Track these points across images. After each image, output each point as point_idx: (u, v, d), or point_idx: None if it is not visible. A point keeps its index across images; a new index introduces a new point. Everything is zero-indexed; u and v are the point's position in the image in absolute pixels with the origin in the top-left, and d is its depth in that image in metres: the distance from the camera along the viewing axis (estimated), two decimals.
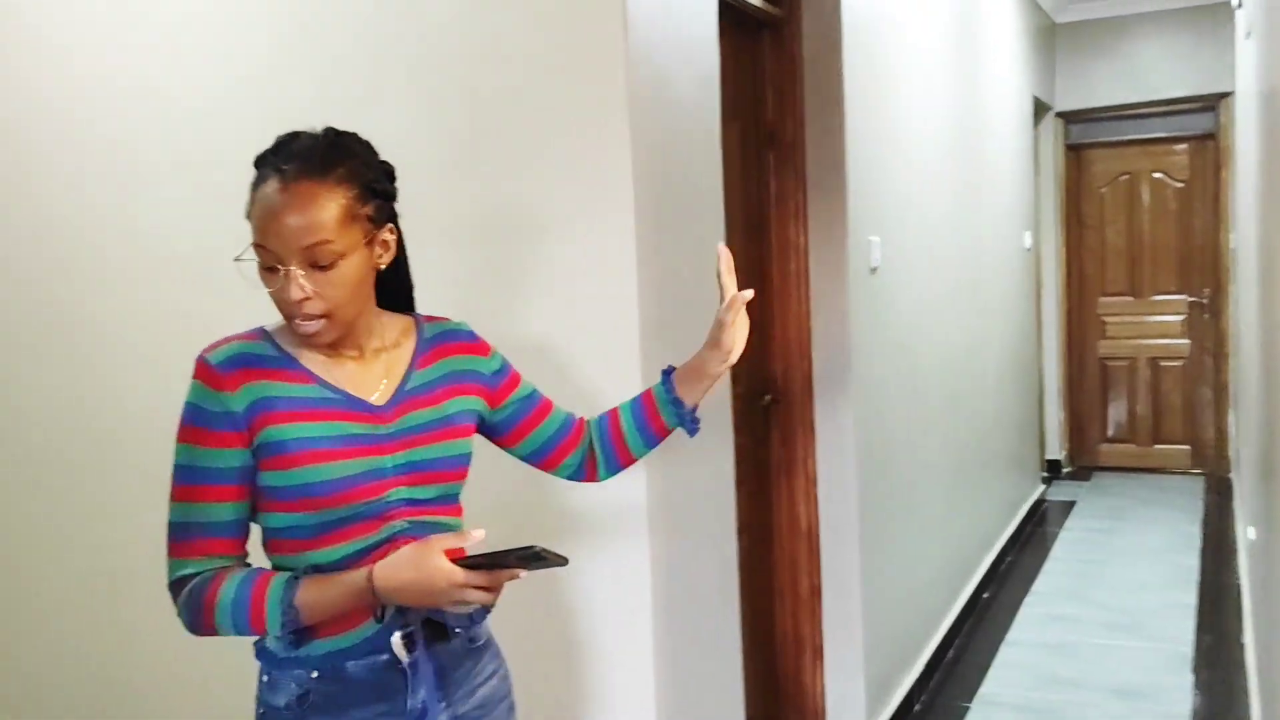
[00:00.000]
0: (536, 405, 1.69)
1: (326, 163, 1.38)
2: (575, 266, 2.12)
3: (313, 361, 1.46)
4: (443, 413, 1.52)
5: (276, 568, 1.46)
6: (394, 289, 1.56)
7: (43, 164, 2.60)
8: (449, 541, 1.38)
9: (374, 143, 1.47)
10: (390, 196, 1.48)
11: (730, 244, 2.63)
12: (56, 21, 2.54)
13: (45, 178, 2.60)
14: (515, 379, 1.68)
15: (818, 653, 3.29)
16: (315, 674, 1.44)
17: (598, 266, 2.10)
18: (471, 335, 1.64)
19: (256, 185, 1.39)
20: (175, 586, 1.43)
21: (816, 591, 3.27)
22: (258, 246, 1.37)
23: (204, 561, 1.42)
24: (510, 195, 2.15)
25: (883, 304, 3.58)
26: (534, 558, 1.33)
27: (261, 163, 1.40)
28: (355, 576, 1.40)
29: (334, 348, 1.47)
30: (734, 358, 1.63)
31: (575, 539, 2.16)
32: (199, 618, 1.41)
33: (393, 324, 1.56)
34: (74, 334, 2.61)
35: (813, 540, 3.26)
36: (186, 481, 1.42)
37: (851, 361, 3.24)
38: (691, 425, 1.70)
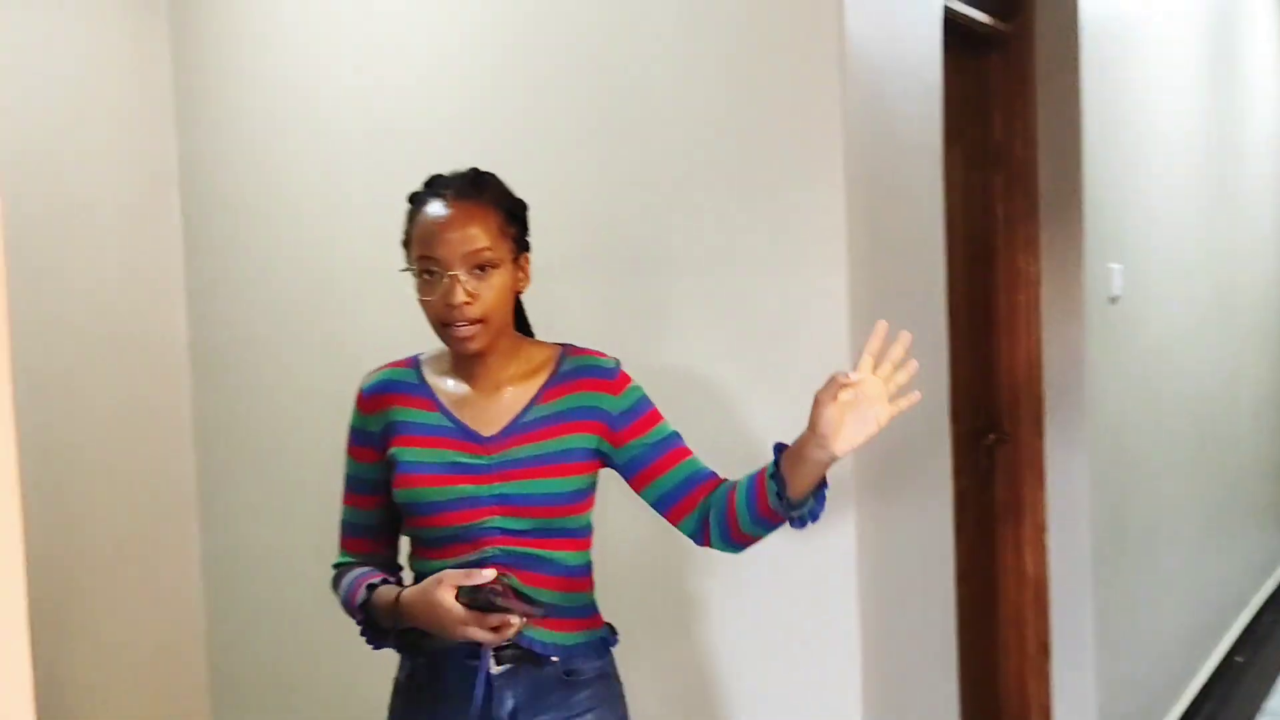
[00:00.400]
0: (664, 453, 1.60)
1: (479, 188, 1.58)
2: (781, 299, 2.02)
3: (442, 392, 1.60)
4: (550, 448, 1.56)
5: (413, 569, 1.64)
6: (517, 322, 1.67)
7: (297, 180, 2.73)
8: (458, 577, 1.46)
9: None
10: (526, 228, 1.62)
11: (952, 273, 2.47)
12: (313, 45, 2.67)
13: (298, 192, 2.73)
14: (647, 422, 1.60)
15: (1046, 715, 3.05)
16: (421, 660, 1.60)
17: (806, 299, 1.99)
18: (609, 372, 1.60)
19: (416, 211, 1.58)
20: (333, 571, 1.70)
21: (1045, 648, 3.03)
22: (423, 258, 1.53)
23: (351, 556, 1.67)
24: (714, 223, 2.07)
25: (1123, 336, 3.31)
26: (487, 603, 1.42)
27: (417, 196, 1.60)
28: (392, 594, 1.54)
29: (470, 371, 1.59)
30: (837, 449, 1.43)
31: (777, 588, 2.05)
32: (341, 603, 1.65)
33: (535, 353, 1.62)
34: (319, 339, 2.71)
35: (1041, 592, 3.03)
36: (346, 488, 1.68)
37: (1087, 399, 3.00)
38: (795, 519, 1.52)
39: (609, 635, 1.65)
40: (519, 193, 2.20)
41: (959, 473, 2.51)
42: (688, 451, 1.62)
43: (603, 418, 1.58)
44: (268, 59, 2.70)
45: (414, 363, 1.64)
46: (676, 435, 1.62)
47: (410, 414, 1.60)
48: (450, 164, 2.34)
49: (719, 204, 2.06)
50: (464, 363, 1.58)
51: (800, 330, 2.00)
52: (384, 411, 1.61)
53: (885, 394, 1.44)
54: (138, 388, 2.84)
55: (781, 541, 2.00)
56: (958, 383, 2.55)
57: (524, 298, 1.66)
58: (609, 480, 1.65)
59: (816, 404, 1.44)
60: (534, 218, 2.22)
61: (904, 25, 2.20)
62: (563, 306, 2.21)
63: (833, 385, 1.43)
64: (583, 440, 1.57)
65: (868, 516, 2.02)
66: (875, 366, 1.45)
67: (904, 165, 2.21)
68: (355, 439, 1.65)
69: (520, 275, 1.58)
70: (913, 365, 1.46)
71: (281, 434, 2.77)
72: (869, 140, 2.04)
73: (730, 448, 2.08)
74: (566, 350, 1.63)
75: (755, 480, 1.54)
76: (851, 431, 1.44)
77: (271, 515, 2.80)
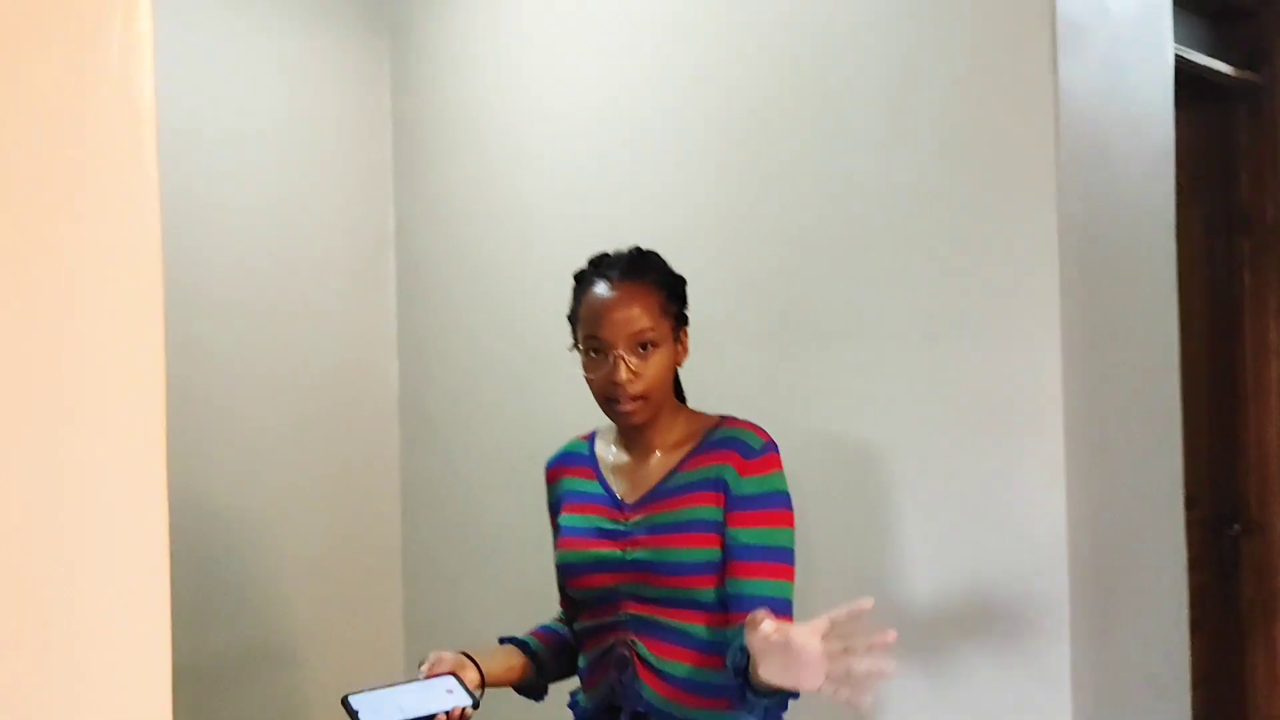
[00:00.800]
0: (750, 560, 1.51)
1: (642, 269, 1.62)
2: (985, 373, 1.87)
3: (604, 461, 1.69)
4: (679, 517, 1.56)
5: None
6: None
7: (505, 248, 2.81)
8: (448, 664, 1.56)
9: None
10: (686, 303, 1.65)
11: (1189, 345, 2.26)
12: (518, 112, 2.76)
13: (506, 260, 2.81)
14: (758, 519, 1.52)
15: None
16: (580, 718, 1.67)
17: (1013, 373, 1.84)
18: (750, 450, 1.55)
19: (582, 291, 1.63)
20: None
21: None
22: (589, 337, 1.58)
23: (562, 611, 1.77)
24: (911, 291, 1.95)
25: None
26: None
27: (583, 276, 1.65)
28: None
29: (629, 440, 1.65)
30: (760, 673, 1.30)
31: (980, 686, 1.88)
32: None
33: (692, 422, 1.64)
34: (521, 406, 2.76)
35: None
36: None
37: None
38: (736, 696, 1.42)
39: None
40: (710, 261, 2.18)
41: (1196, 565, 2.27)
42: (779, 571, 1.51)
43: (724, 490, 1.55)
44: (478, 129, 2.80)
45: (591, 435, 1.75)
46: (781, 550, 1.52)
47: (576, 483, 1.71)
48: (646, 232, 2.35)
49: (918, 271, 1.94)
50: (625, 432, 1.66)
51: (1006, 407, 1.85)
52: (559, 483, 1.74)
53: (822, 665, 1.24)
54: (351, 447, 2.95)
55: (986, 630, 1.86)
56: (1195, 465, 2.32)
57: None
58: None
59: (748, 621, 1.33)
60: (721, 285, 2.18)
61: (1128, 77, 2.05)
62: (745, 375, 2.15)
63: (753, 620, 1.30)
64: (708, 512, 1.54)
65: (1085, 611, 1.84)
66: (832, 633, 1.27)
67: (1129, 228, 2.04)
68: (549, 509, 1.77)
69: (680, 349, 1.63)
70: (884, 667, 1.22)
71: (482, 497, 2.82)
72: (1087, 202, 1.89)
73: (922, 536, 1.96)
74: (724, 421, 1.63)
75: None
76: (774, 669, 1.29)
77: (470, 577, 2.84)
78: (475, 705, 1.49)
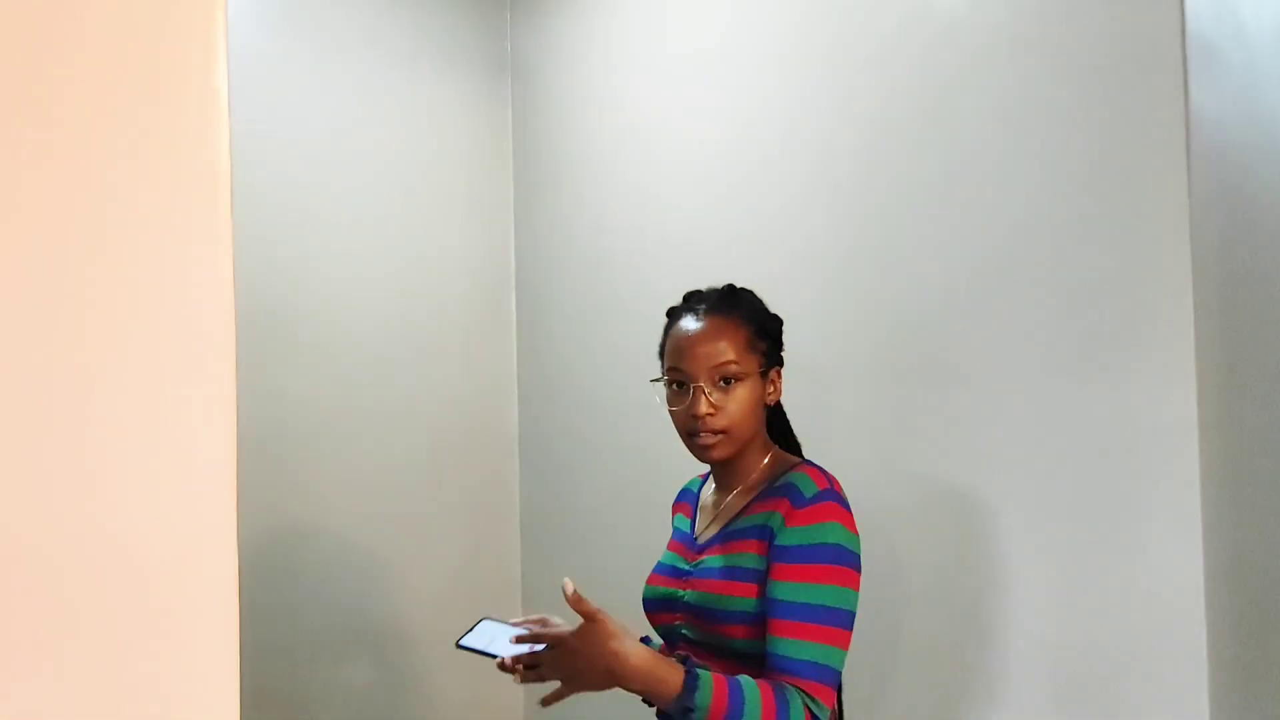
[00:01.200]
0: (784, 618, 1.42)
1: (730, 304, 1.61)
2: (1115, 414, 1.78)
3: (701, 499, 1.70)
4: (726, 562, 1.53)
5: None
6: (777, 434, 1.69)
7: (618, 288, 2.82)
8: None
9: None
10: (779, 342, 1.63)
11: None
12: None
13: (619, 301, 2.82)
14: (799, 573, 1.42)
15: None
16: None
17: (1146, 414, 1.74)
18: (800, 498, 1.47)
19: (671, 325, 1.64)
20: None
21: None
22: (672, 370, 1.60)
23: None
24: (1036, 325, 1.87)
25: None
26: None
27: (674, 311, 1.66)
28: None
29: (719, 479, 1.65)
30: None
31: None
32: None
33: (774, 464, 1.60)
34: (631, 441, 2.76)
35: None
36: None
37: None
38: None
39: None
40: (822, 298, 2.13)
41: None
42: (818, 633, 1.40)
43: (768, 540, 1.47)
44: (596, 170, 2.83)
45: (708, 473, 1.75)
46: (821, 609, 1.41)
47: (679, 520, 1.75)
48: (759, 269, 2.32)
49: (1039, 306, 1.86)
50: (717, 471, 1.65)
51: (1135, 450, 1.75)
52: (673, 519, 1.79)
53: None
54: (473, 480, 3.01)
55: (1113, 694, 1.75)
56: None
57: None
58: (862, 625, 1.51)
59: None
60: (833, 321, 2.14)
61: (1269, 100, 1.92)
62: (856, 416, 2.09)
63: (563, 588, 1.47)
64: (751, 560, 1.49)
65: (1225, 673, 1.71)
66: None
67: (1274, 261, 1.92)
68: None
69: (770, 388, 1.60)
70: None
71: (600, 529, 2.83)
72: (1224, 232, 1.78)
73: (1042, 591, 1.87)
74: (798, 467, 1.57)
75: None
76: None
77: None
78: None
